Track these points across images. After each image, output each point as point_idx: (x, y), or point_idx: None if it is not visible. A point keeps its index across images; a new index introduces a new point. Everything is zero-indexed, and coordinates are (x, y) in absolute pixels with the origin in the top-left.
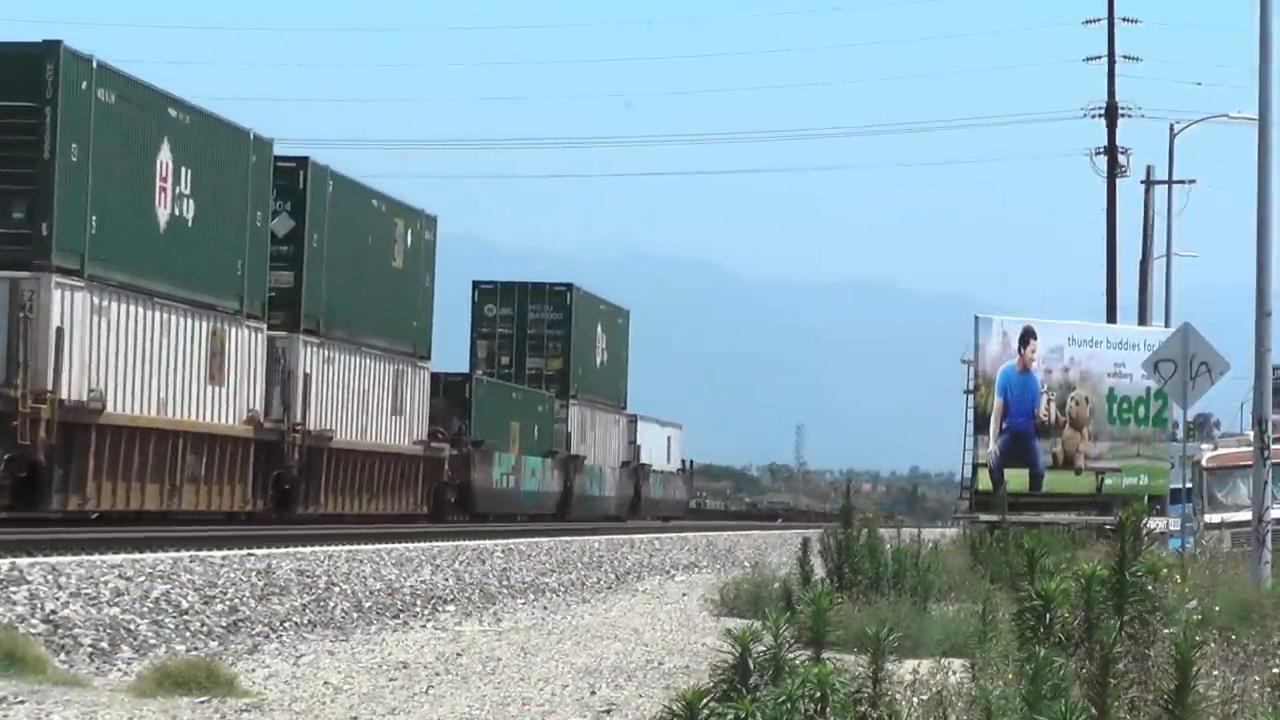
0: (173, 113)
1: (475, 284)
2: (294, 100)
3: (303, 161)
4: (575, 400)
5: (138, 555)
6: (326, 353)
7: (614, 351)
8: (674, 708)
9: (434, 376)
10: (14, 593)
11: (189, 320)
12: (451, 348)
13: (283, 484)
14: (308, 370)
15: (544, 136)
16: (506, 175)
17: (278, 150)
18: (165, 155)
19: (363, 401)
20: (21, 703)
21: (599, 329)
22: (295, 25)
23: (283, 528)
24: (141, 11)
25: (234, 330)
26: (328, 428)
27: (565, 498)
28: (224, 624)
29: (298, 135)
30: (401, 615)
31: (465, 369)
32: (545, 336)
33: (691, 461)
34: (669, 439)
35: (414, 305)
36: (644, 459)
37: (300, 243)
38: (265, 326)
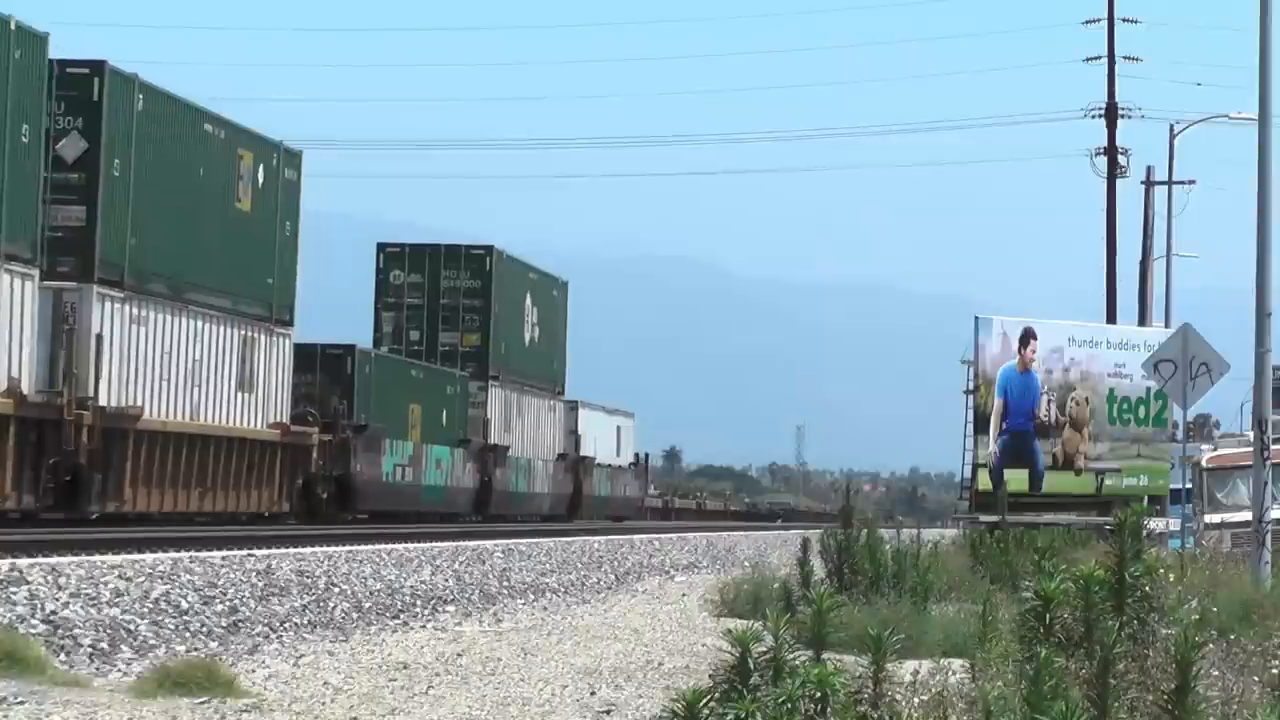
0: None
1: (380, 246)
2: (294, 100)
3: (98, 66)
4: (497, 382)
5: (138, 555)
6: (135, 310)
7: (548, 327)
8: (674, 708)
9: (306, 349)
10: (14, 593)
11: None
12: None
13: (63, 474)
14: (100, 331)
15: (544, 137)
16: (507, 175)
17: (71, 53)
18: None
19: (192, 373)
20: (21, 703)
21: (528, 300)
22: (295, 25)
23: (284, 528)
24: (143, 12)
25: None
26: (133, 403)
27: (483, 494)
28: (224, 624)
29: (298, 135)
30: (401, 616)
31: (369, 345)
32: (461, 308)
33: (647, 455)
34: (619, 429)
35: (268, 258)
36: (586, 451)
37: (94, 170)
38: (36, 273)
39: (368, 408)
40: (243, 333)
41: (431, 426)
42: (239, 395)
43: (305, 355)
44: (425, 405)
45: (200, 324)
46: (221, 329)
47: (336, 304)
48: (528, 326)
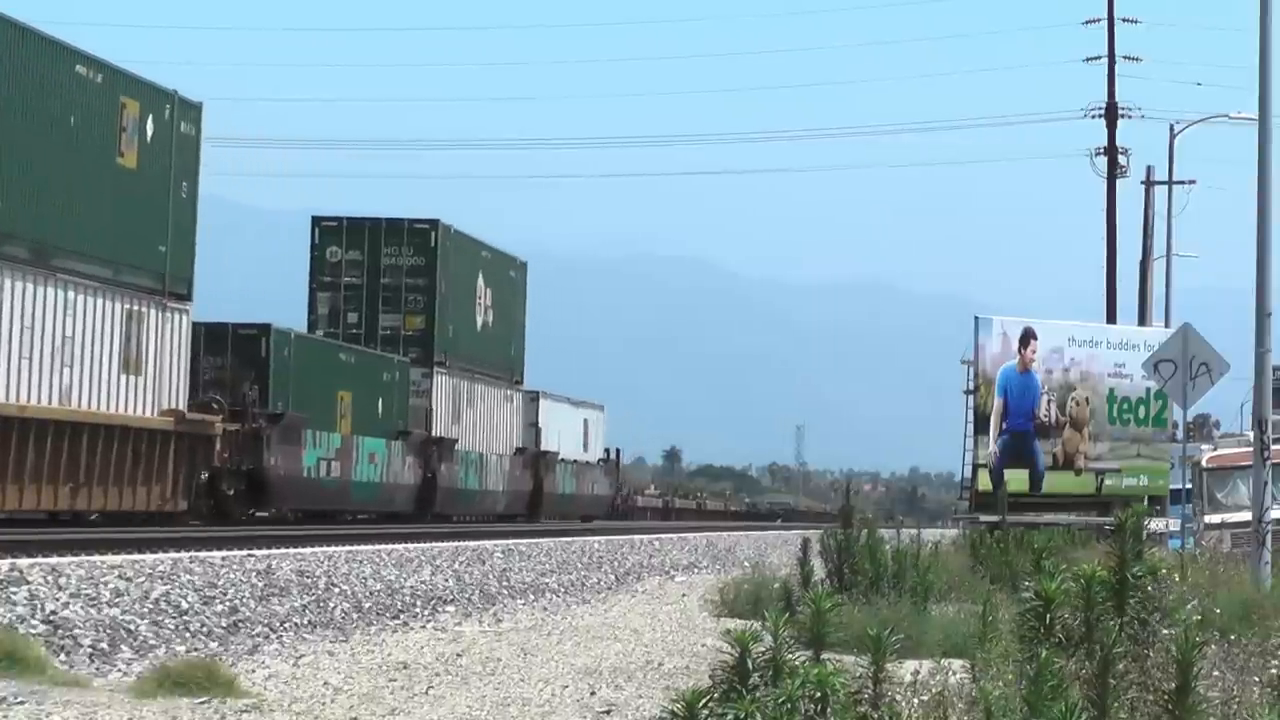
0: None
1: (315, 220)
2: (292, 100)
3: None
4: (444, 369)
5: (138, 555)
6: None
7: (504, 311)
8: (674, 708)
9: (216, 328)
10: (14, 593)
11: None
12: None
13: None
14: None
15: (545, 136)
16: (507, 175)
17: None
18: None
19: (61, 351)
20: (21, 703)
21: (480, 281)
22: (294, 26)
23: (283, 528)
24: (147, 12)
25: None
26: None
27: (427, 492)
28: (224, 624)
29: (296, 135)
30: (401, 616)
31: (304, 328)
32: (404, 288)
33: (619, 451)
34: (586, 422)
35: (158, 222)
36: (548, 445)
37: None
38: None
39: (286, 395)
40: (127, 306)
41: (365, 417)
42: (123, 378)
43: (215, 336)
44: (357, 393)
45: (72, 295)
46: (99, 301)
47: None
48: (480, 309)
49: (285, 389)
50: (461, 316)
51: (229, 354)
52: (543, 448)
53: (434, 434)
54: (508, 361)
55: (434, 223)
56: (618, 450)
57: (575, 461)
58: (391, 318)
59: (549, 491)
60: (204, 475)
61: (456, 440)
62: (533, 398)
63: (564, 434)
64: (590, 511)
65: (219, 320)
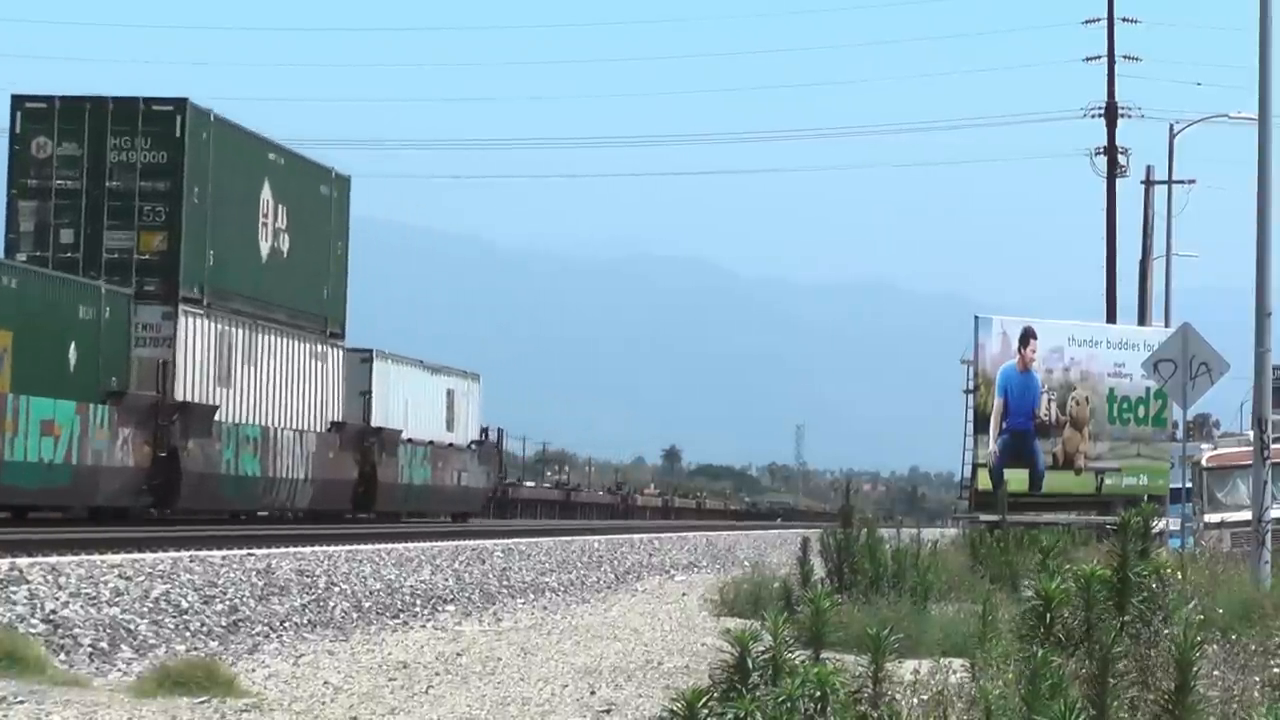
0: None
1: (16, 100)
2: (292, 100)
3: None
4: (200, 309)
5: (138, 555)
6: None
7: (310, 238)
8: (674, 708)
9: None
10: (14, 593)
11: None
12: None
13: None
14: None
15: (544, 136)
16: (507, 175)
17: None
18: None
19: None
20: (21, 703)
21: (266, 193)
22: (293, 25)
23: (283, 528)
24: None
25: None
26: None
27: (163, 477)
28: (224, 624)
29: (295, 135)
30: (401, 615)
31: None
32: (138, 194)
33: (500, 431)
34: (450, 394)
35: None
36: (386, 421)
37: None
38: None
39: None
40: None
41: (37, 369)
42: None
43: None
44: (24, 335)
45: None
46: None
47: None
48: (266, 231)
49: None
50: (232, 239)
51: None
52: (375, 423)
53: (171, 397)
54: (318, 306)
55: (180, 103)
56: (499, 431)
57: (431, 443)
58: (121, 235)
59: (386, 481)
60: None
61: (217, 408)
62: (364, 358)
63: (413, 407)
64: (458, 507)
65: None
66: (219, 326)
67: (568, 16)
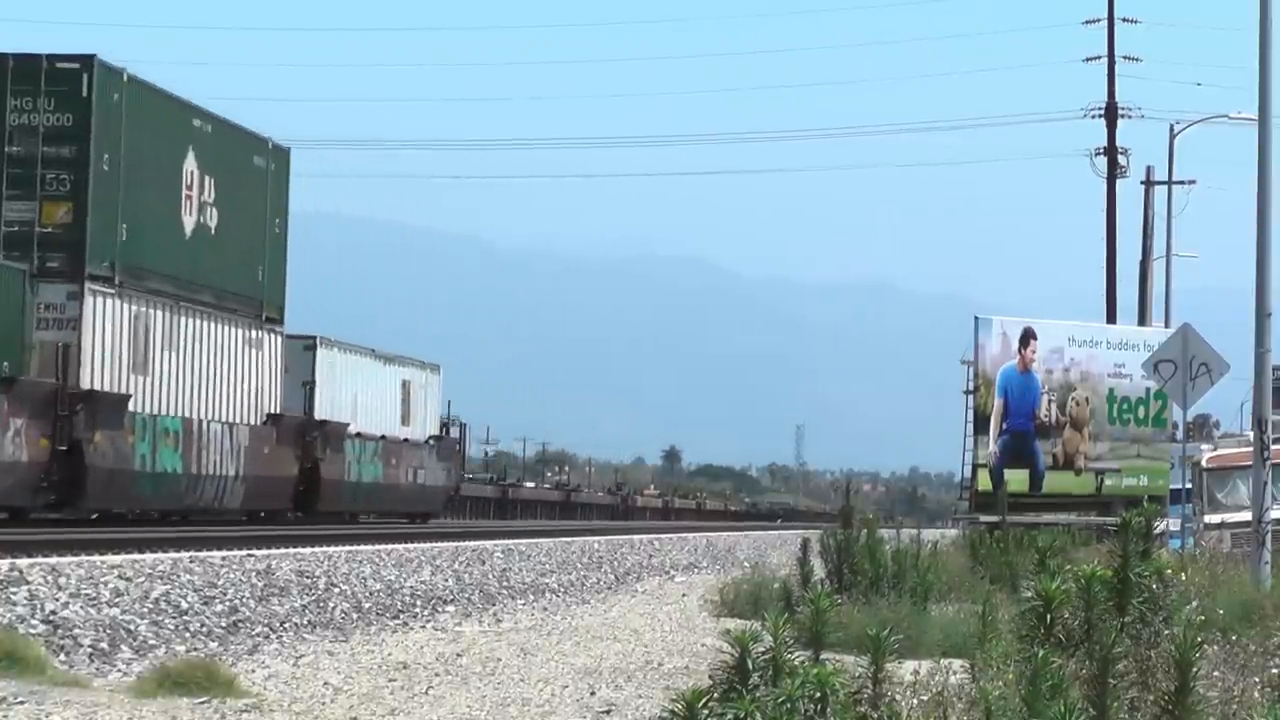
0: None
1: None
2: (292, 100)
3: None
4: (112, 288)
5: (138, 555)
6: None
7: (242, 214)
8: (674, 708)
9: None
10: (14, 593)
11: None
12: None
13: None
14: None
15: (544, 136)
16: (506, 175)
17: None
18: None
19: None
20: (21, 703)
21: (190, 163)
22: (292, 26)
23: (283, 528)
24: (140, 11)
25: None
26: None
27: (67, 475)
28: (224, 624)
29: (294, 135)
30: (401, 616)
31: None
32: (40, 160)
33: (464, 426)
34: (405, 386)
35: None
36: (332, 414)
37: None
38: None
39: None
40: None
41: None
42: None
43: None
44: None
45: None
46: None
47: (327, 300)
48: (190, 205)
49: None
50: (149, 212)
51: None
52: (319, 415)
53: (72, 385)
54: (252, 288)
55: (88, 60)
56: (461, 425)
57: (383, 438)
58: (21, 206)
59: (331, 478)
60: None
61: (129, 398)
62: (307, 346)
63: (364, 399)
64: (415, 507)
65: None
66: (134, 308)
67: (568, 16)
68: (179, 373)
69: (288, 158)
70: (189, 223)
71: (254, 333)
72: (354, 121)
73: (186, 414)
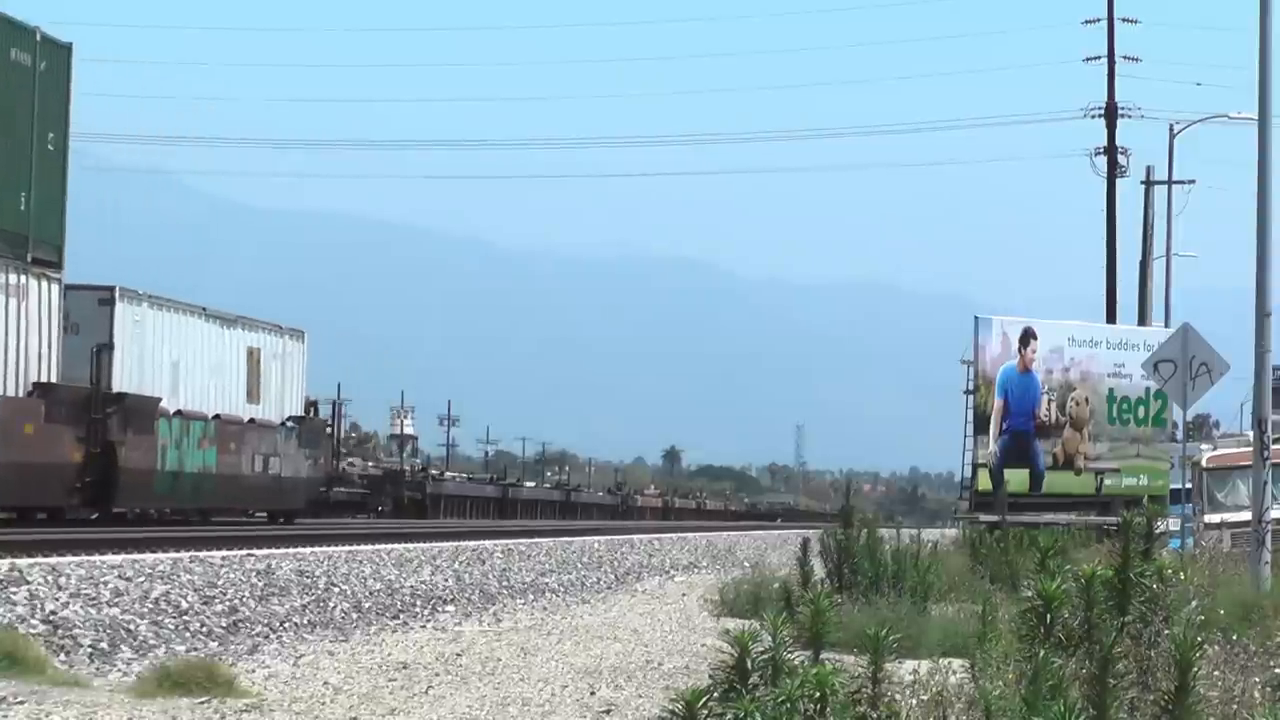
0: None
1: None
2: (292, 101)
3: None
4: None
5: (138, 555)
6: None
7: (3, 123)
8: (673, 708)
9: None
10: (14, 593)
11: None
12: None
13: None
14: None
15: (544, 137)
16: (507, 175)
17: None
18: None
19: None
20: (21, 703)
21: None
22: (292, 26)
23: (283, 528)
24: (142, 11)
25: None
26: None
27: None
28: (224, 624)
29: (295, 135)
30: (401, 616)
31: None
32: None
33: (337, 405)
34: (253, 355)
35: None
36: (134, 385)
37: None
38: None
39: None
40: None
41: None
42: None
43: None
44: None
45: None
46: None
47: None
48: None
49: None
50: None
51: None
52: (117, 388)
53: None
54: (10, 219)
55: None
56: (335, 404)
57: (217, 418)
58: None
59: (134, 467)
60: None
61: None
62: (103, 299)
63: (188, 369)
64: (269, 504)
65: None
66: None
67: (568, 16)
68: None
69: (68, 55)
70: None
71: (12, 276)
72: (355, 121)
73: None
